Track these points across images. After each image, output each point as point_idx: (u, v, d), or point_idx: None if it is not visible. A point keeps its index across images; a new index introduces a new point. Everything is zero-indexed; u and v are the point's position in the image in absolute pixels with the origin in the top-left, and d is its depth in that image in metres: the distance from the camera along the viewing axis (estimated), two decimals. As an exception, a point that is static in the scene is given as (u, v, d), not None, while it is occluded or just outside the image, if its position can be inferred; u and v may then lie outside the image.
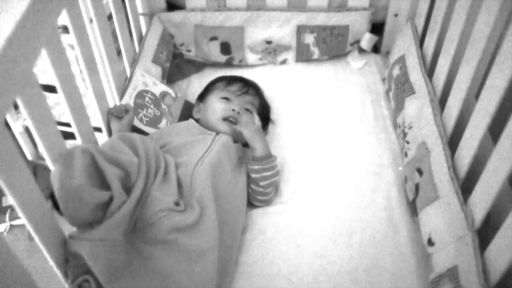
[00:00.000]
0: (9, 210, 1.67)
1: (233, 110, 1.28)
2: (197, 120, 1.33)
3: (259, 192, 1.19)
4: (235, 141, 1.25)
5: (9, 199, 0.73)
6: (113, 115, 1.18)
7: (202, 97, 1.41)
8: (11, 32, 0.68)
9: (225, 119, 1.27)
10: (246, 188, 1.20)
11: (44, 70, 1.53)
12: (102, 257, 0.87)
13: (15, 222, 1.66)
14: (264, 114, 1.40)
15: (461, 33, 1.13)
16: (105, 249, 0.88)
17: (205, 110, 1.33)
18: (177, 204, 1.01)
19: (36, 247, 1.52)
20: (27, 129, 1.73)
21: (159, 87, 1.37)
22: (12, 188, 0.70)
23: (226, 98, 1.32)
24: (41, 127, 0.81)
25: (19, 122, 1.66)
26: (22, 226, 1.65)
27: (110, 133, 1.19)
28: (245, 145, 1.27)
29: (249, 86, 1.39)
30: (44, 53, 0.83)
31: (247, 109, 1.31)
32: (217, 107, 1.30)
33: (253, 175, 1.19)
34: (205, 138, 1.21)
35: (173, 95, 1.40)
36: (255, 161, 1.19)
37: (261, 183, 1.18)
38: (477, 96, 1.06)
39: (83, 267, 0.87)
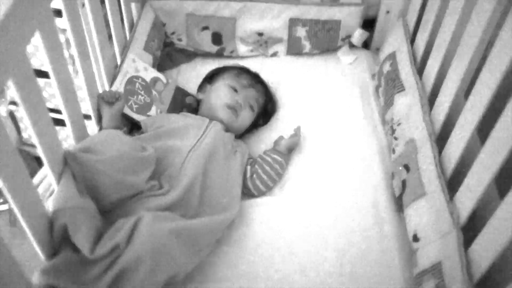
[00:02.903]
0: (-9, 196, 1.66)
1: (238, 101, 1.31)
2: (198, 102, 1.39)
3: (265, 184, 1.22)
4: (226, 130, 1.28)
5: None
6: (103, 100, 1.17)
7: (211, 79, 1.43)
8: (6, 13, 0.68)
9: (228, 106, 1.30)
10: (240, 177, 1.21)
11: (32, 54, 1.51)
12: (81, 221, 0.88)
13: (-4, 208, 1.65)
14: (268, 109, 1.43)
15: (453, 32, 1.14)
16: (84, 216, 0.90)
17: (210, 92, 1.36)
18: (158, 187, 1.05)
19: (18, 234, 1.51)
20: (10, 114, 1.71)
21: (149, 73, 1.36)
22: (0, 170, 0.70)
23: (234, 88, 1.34)
24: (33, 111, 0.80)
25: (3, 106, 1.64)
26: (4, 212, 1.63)
27: (99, 119, 1.18)
28: (238, 136, 1.32)
29: (258, 82, 1.41)
30: (37, 36, 0.81)
31: (250, 105, 1.34)
32: (222, 93, 1.33)
33: (275, 166, 1.23)
34: (198, 124, 1.23)
35: (164, 81, 1.39)
36: (283, 154, 1.25)
37: (275, 177, 1.23)
38: (466, 95, 1.07)
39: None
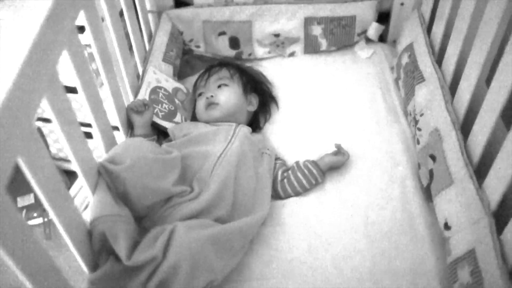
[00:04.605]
0: (24, 211, 1.69)
1: (207, 98, 1.33)
2: None
3: (295, 190, 1.22)
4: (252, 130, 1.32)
5: (33, 196, 0.74)
6: (133, 110, 1.20)
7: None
8: (37, 35, 0.70)
9: (206, 109, 1.33)
10: (270, 179, 1.22)
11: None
12: (119, 228, 0.91)
13: (31, 222, 1.68)
14: (250, 80, 1.44)
15: (471, 18, 1.14)
16: (121, 223, 0.92)
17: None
18: (189, 192, 1.07)
19: (53, 247, 1.54)
20: (38, 130, 1.75)
21: (171, 84, 1.39)
22: (39, 182, 0.72)
23: (200, 94, 1.38)
24: (66, 126, 0.82)
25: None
26: (38, 226, 1.67)
27: (127, 130, 1.21)
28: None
29: (211, 68, 1.44)
30: (65, 54, 0.84)
31: (221, 85, 1.36)
32: (198, 106, 1.37)
33: (309, 177, 1.21)
34: (226, 129, 1.25)
35: (185, 90, 1.42)
36: (321, 171, 1.22)
37: (307, 185, 1.21)
38: (487, 80, 1.07)
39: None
